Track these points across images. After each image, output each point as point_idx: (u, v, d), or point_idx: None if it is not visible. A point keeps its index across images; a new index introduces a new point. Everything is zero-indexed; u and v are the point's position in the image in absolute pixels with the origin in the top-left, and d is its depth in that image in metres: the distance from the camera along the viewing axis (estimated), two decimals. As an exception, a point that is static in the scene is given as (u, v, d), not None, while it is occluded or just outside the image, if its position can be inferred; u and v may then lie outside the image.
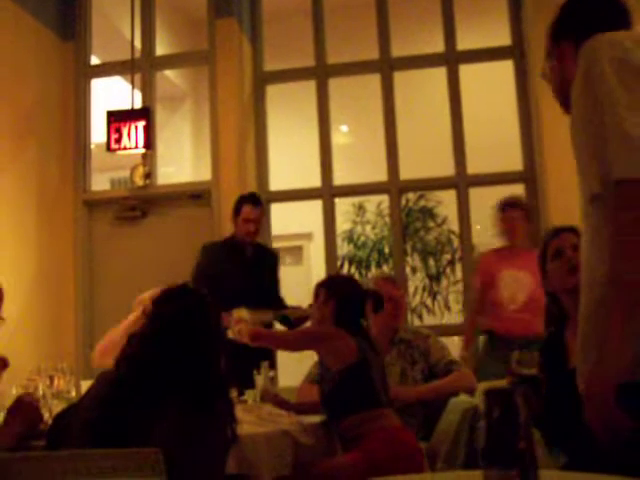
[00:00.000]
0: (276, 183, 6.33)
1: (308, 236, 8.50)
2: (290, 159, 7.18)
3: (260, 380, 3.48)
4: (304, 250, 9.06)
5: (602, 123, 1.59)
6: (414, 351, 3.67)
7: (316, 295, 3.27)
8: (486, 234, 5.25)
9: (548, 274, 2.59)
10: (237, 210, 4.77)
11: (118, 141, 5.85)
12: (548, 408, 2.50)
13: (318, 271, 6.39)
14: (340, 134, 8.32)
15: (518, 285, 4.50)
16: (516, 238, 4.63)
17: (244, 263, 4.75)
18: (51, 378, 2.94)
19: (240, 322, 3.68)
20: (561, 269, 2.52)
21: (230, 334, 3.70)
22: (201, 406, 2.11)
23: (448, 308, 7.40)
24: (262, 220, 4.94)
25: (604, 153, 1.58)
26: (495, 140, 6.46)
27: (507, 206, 4.66)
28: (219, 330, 2.39)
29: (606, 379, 1.54)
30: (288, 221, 6.91)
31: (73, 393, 3.03)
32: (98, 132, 6.28)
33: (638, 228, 1.54)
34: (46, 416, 2.65)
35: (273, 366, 4.54)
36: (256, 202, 4.80)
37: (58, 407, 2.63)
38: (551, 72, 1.94)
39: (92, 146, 6.35)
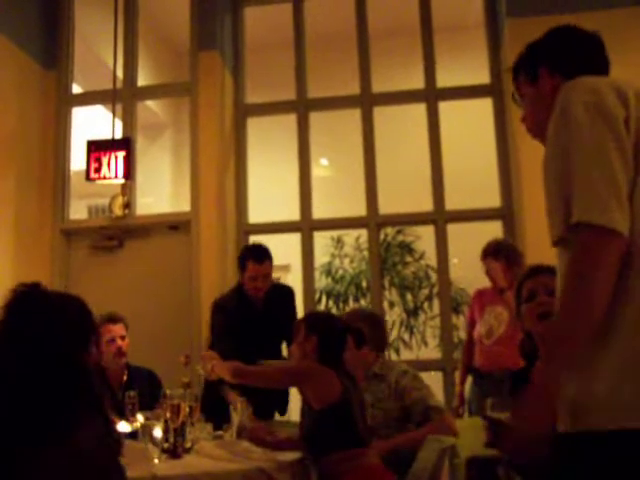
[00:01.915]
0: (255, 215, 6.34)
1: (286, 268, 8.48)
2: (270, 191, 7.19)
3: (236, 416, 3.46)
4: (282, 282, 9.04)
5: (570, 165, 1.60)
6: (387, 388, 3.61)
7: (296, 331, 3.25)
8: (464, 269, 5.28)
9: (521, 315, 2.60)
10: (242, 265, 4.48)
11: (98, 170, 5.83)
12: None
13: (297, 302, 6.37)
14: (320, 167, 8.37)
15: (497, 320, 4.57)
16: (498, 284, 4.66)
17: (255, 315, 4.48)
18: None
19: (212, 359, 3.68)
20: (532, 313, 2.53)
21: (201, 371, 3.73)
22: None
23: (425, 343, 7.42)
24: (271, 273, 4.54)
25: (569, 195, 1.59)
26: (474, 177, 6.52)
27: (486, 255, 4.68)
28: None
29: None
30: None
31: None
32: (78, 159, 6.26)
33: (583, 281, 1.55)
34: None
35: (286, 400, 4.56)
36: (261, 259, 4.47)
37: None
38: (531, 98, 1.96)
39: (71, 173, 6.32)
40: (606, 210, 1.53)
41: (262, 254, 4.50)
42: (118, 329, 4.21)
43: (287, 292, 4.74)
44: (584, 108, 1.62)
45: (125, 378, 4.19)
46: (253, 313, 4.49)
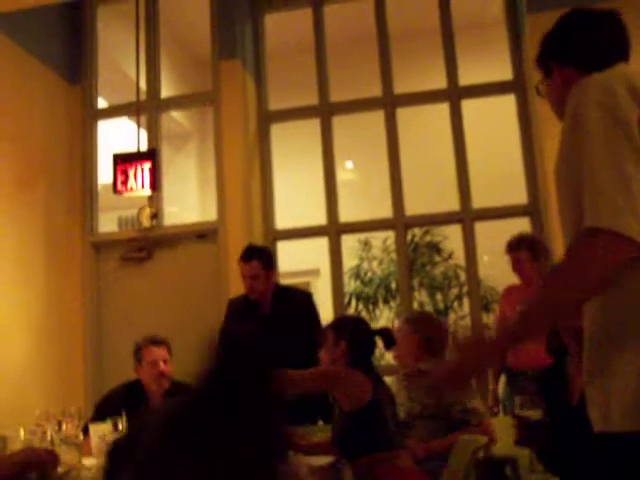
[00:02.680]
0: (282, 221, 6.35)
1: (315, 272, 8.49)
2: (296, 197, 7.21)
3: None
4: (311, 286, 9.04)
5: (582, 170, 1.57)
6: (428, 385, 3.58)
7: (325, 337, 3.25)
8: (493, 267, 5.24)
9: None
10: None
11: (124, 183, 5.88)
12: (552, 445, 2.50)
13: (326, 307, 6.38)
14: (345, 171, 8.37)
15: None
16: (524, 278, 4.63)
17: (260, 318, 4.36)
18: (59, 423, 2.92)
19: None
20: None
21: None
22: None
23: (457, 343, 7.36)
24: (262, 274, 4.43)
25: (581, 201, 1.56)
26: (499, 174, 6.48)
27: (511, 248, 4.66)
28: None
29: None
30: (295, 257, 6.91)
31: (81, 437, 3.03)
32: (105, 172, 6.32)
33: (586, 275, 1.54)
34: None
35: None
36: (247, 257, 4.42)
37: (67, 453, 2.63)
38: (547, 91, 1.94)
39: (99, 186, 6.40)
40: (619, 216, 1.49)
41: (249, 253, 4.43)
42: (161, 352, 4.09)
43: (301, 297, 4.61)
44: (596, 111, 1.58)
45: (164, 395, 4.04)
46: (257, 315, 4.38)
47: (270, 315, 4.42)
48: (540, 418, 2.67)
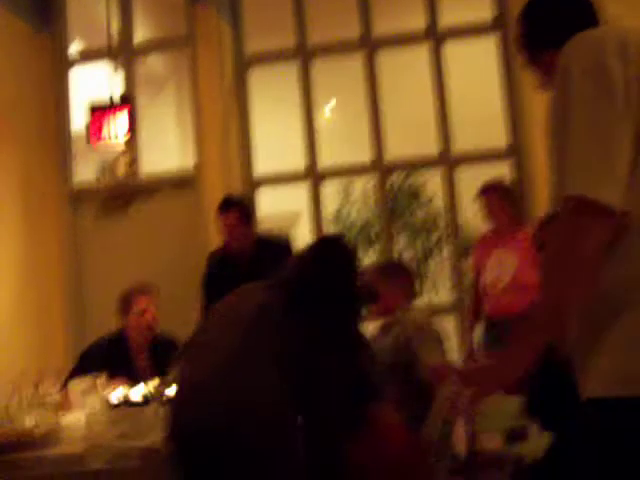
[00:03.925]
0: (261, 167, 6.28)
1: (296, 216, 8.45)
2: (275, 142, 7.11)
3: None
4: (292, 231, 9.02)
5: (566, 136, 1.52)
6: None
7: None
8: (473, 212, 5.22)
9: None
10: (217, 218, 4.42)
11: (99, 133, 5.76)
12: (539, 397, 2.51)
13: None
14: (324, 115, 8.25)
15: (502, 267, 4.54)
16: (496, 222, 4.67)
17: (239, 271, 4.29)
18: (36, 384, 2.90)
19: None
20: None
21: None
22: None
23: (436, 289, 7.39)
24: (241, 224, 4.40)
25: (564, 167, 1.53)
26: (480, 117, 6.40)
27: (483, 192, 4.72)
28: None
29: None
30: (275, 202, 6.86)
31: (58, 397, 3.00)
32: (80, 120, 6.19)
33: (570, 257, 1.50)
34: (29, 424, 2.62)
35: None
36: (224, 207, 4.36)
37: (43, 415, 2.61)
38: (534, 74, 1.89)
39: (74, 135, 6.27)
40: (600, 185, 1.45)
41: (226, 203, 4.35)
42: (149, 301, 4.11)
43: (279, 245, 4.55)
44: (582, 73, 1.52)
45: (147, 349, 4.09)
46: (236, 266, 4.33)
47: (250, 267, 4.34)
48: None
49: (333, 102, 8.27)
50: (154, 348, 4.04)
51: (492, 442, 4.25)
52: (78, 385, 3.48)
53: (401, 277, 3.85)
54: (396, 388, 3.43)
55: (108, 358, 3.89)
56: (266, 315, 2.45)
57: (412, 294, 3.83)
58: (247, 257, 4.41)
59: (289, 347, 2.35)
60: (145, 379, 3.44)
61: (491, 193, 4.69)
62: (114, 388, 3.19)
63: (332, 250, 2.69)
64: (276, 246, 4.57)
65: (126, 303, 4.13)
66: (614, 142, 1.48)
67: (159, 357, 3.70)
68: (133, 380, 3.43)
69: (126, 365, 3.94)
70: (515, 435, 4.18)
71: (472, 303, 4.85)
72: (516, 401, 3.43)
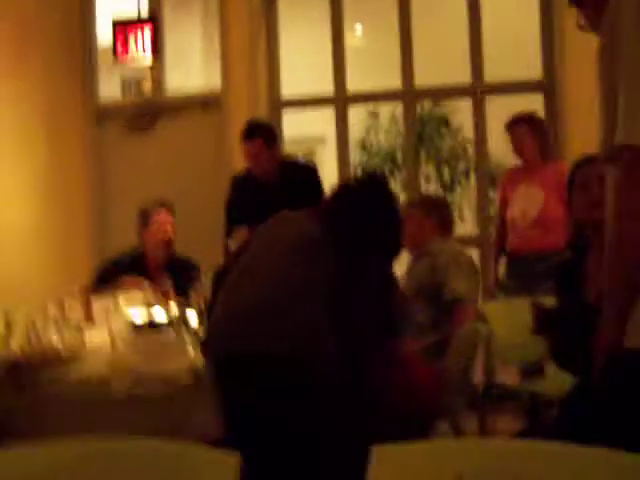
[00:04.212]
0: (288, 88, 6.17)
1: (321, 140, 8.37)
2: (303, 64, 6.98)
3: (233, 244, 3.61)
4: (317, 154, 8.95)
5: (619, 82, 1.48)
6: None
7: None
8: (502, 143, 5.14)
9: (572, 205, 2.54)
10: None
11: (125, 49, 5.69)
12: (565, 340, 2.50)
13: (331, 178, 6.32)
14: (354, 38, 8.07)
15: (530, 201, 4.49)
16: (525, 155, 4.59)
17: (265, 195, 4.29)
18: (61, 304, 2.92)
19: (246, 237, 3.79)
20: (584, 203, 2.46)
21: (233, 246, 3.86)
22: None
23: (462, 218, 7.32)
24: (265, 151, 4.32)
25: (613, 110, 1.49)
26: (514, 47, 6.23)
27: (512, 124, 4.63)
28: None
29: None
30: (300, 125, 6.79)
31: (83, 315, 3.03)
32: (105, 37, 6.09)
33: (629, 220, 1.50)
34: (54, 342, 2.65)
35: None
36: (248, 135, 4.28)
37: (68, 334, 2.64)
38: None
39: (100, 49, 6.17)
40: None
41: (251, 130, 4.29)
42: (168, 216, 4.11)
43: (305, 170, 4.52)
44: (636, 18, 1.47)
45: (165, 269, 4.08)
46: (264, 191, 4.31)
47: (276, 191, 4.33)
48: (556, 308, 2.66)
49: (364, 25, 8.09)
50: (172, 269, 4.05)
51: (509, 376, 4.28)
52: (102, 302, 3.53)
53: (438, 210, 3.83)
54: (423, 311, 3.45)
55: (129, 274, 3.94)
56: (314, 246, 2.49)
57: (449, 226, 3.81)
58: (272, 181, 4.38)
59: (333, 279, 2.40)
60: (164, 299, 3.49)
61: (521, 125, 4.59)
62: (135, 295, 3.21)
63: (379, 189, 2.73)
64: (301, 171, 4.55)
65: (144, 217, 4.15)
66: None
67: (177, 278, 3.72)
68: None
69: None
70: (532, 370, 4.21)
71: (497, 236, 4.81)
72: (534, 337, 3.44)
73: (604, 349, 1.60)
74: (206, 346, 2.47)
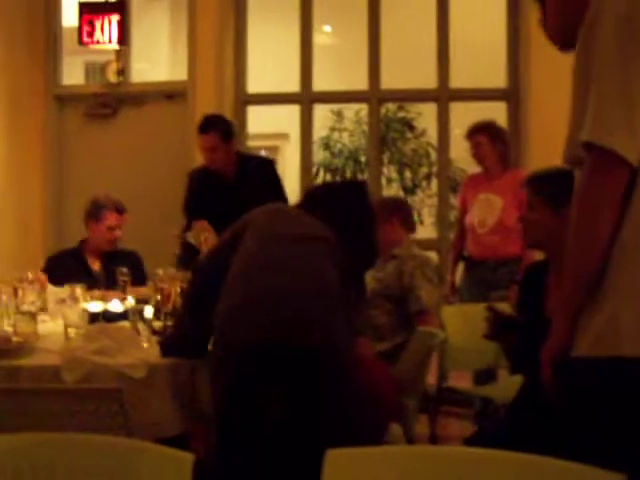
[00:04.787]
0: (254, 85, 6.15)
1: (285, 137, 8.38)
2: (270, 61, 6.97)
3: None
4: (280, 151, 8.96)
5: (592, 83, 1.51)
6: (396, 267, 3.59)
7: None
8: (464, 149, 5.18)
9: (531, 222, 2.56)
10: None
11: (91, 34, 5.60)
12: (522, 346, 2.53)
13: (293, 176, 6.32)
14: (322, 37, 8.08)
15: (488, 208, 4.53)
16: (485, 162, 4.63)
17: (225, 189, 4.28)
18: (15, 290, 2.87)
19: (205, 230, 3.81)
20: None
21: (192, 239, 3.87)
22: None
23: (422, 222, 7.39)
24: (221, 145, 4.25)
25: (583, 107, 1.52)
26: (481, 55, 6.30)
27: (473, 132, 4.65)
28: None
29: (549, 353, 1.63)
30: (265, 121, 6.77)
31: (38, 303, 2.99)
32: (69, 20, 5.99)
33: (590, 214, 1.51)
34: (9, 330, 2.61)
35: None
36: (204, 129, 4.24)
37: (22, 322, 2.59)
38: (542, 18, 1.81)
39: (64, 30, 6.05)
40: (616, 135, 1.46)
41: (206, 124, 4.25)
42: (121, 220, 4.19)
43: (262, 163, 4.50)
44: (615, 23, 1.48)
45: (101, 260, 4.22)
46: (222, 186, 4.29)
47: (234, 185, 4.31)
48: (513, 315, 2.68)
49: (333, 25, 8.09)
50: (115, 260, 4.10)
51: (462, 381, 4.33)
52: (56, 292, 3.49)
53: (400, 212, 3.82)
54: (384, 315, 3.46)
55: (71, 266, 4.10)
56: (324, 242, 2.56)
57: (412, 226, 3.83)
58: (229, 176, 4.34)
59: (340, 275, 2.50)
60: (102, 286, 3.58)
61: (481, 133, 4.63)
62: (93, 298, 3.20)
63: (364, 194, 2.86)
64: (259, 165, 4.50)
65: (95, 210, 4.20)
66: (638, 100, 1.47)
67: (117, 266, 3.74)
68: (91, 287, 3.45)
69: (84, 272, 4.06)
70: (485, 376, 4.27)
71: (455, 242, 4.85)
72: (489, 343, 3.48)
73: (550, 358, 1.63)
74: (220, 333, 2.45)
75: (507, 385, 3.43)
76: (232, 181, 4.33)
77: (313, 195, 2.92)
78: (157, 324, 2.95)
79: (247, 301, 2.43)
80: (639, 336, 1.48)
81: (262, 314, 2.39)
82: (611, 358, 1.49)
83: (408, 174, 7.55)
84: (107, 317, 3.06)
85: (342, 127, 7.76)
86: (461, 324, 3.89)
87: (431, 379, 3.73)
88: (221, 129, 4.26)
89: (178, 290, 3.07)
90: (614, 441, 1.50)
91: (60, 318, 2.94)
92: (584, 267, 1.53)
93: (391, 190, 7.48)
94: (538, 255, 2.98)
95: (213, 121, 4.32)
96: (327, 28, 8.27)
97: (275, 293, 2.42)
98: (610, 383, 1.50)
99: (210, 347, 2.57)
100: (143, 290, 3.56)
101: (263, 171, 4.40)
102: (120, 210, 4.19)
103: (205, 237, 3.97)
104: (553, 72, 5.22)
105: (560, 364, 1.60)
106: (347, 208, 2.74)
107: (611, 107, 1.47)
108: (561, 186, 2.33)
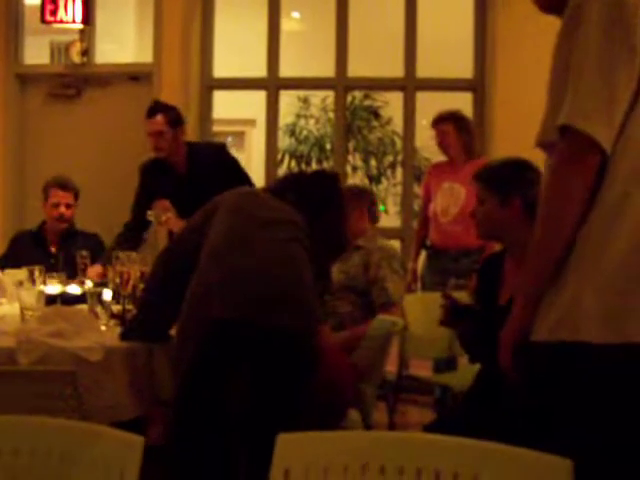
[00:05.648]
0: (221, 69, 6.10)
1: (251, 122, 8.34)
2: (237, 45, 6.92)
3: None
4: (246, 136, 8.92)
5: (573, 66, 1.51)
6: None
7: None
8: (430, 139, 5.20)
9: (482, 215, 2.58)
10: None
11: (54, 13, 5.51)
12: (477, 333, 2.55)
13: (259, 162, 6.30)
14: (290, 23, 8.04)
15: (452, 198, 4.55)
16: (450, 152, 4.65)
17: (177, 180, 4.14)
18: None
19: (167, 211, 3.80)
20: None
21: (152, 218, 3.88)
22: None
23: (386, 211, 7.40)
24: (168, 131, 4.07)
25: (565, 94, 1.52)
26: (448, 46, 6.32)
27: (438, 121, 4.66)
28: None
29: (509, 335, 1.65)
30: (231, 106, 6.73)
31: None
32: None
33: (560, 198, 1.53)
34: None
35: None
36: (150, 113, 4.09)
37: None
38: None
39: (26, 12, 5.96)
40: (594, 121, 1.46)
41: (153, 108, 4.13)
42: (66, 197, 4.18)
43: (214, 151, 4.35)
44: (600, 7, 1.48)
45: (60, 242, 4.20)
46: (174, 177, 4.16)
47: (186, 174, 4.16)
48: (469, 303, 2.70)
49: (301, 11, 8.06)
50: (74, 242, 4.09)
51: (423, 369, 4.36)
52: (14, 275, 3.45)
53: (364, 201, 3.80)
54: (348, 305, 3.45)
55: (32, 247, 4.15)
56: (296, 226, 2.59)
57: (375, 219, 3.80)
58: (182, 165, 4.18)
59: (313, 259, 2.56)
60: (60, 269, 3.56)
61: (446, 122, 4.64)
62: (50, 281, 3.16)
63: (336, 184, 2.91)
64: (211, 152, 4.36)
65: (45, 192, 4.24)
66: (620, 85, 1.48)
67: (78, 249, 3.71)
68: (49, 270, 3.40)
69: (44, 255, 4.07)
70: (445, 364, 4.29)
71: (419, 230, 4.87)
72: (449, 332, 3.50)
73: (510, 341, 1.64)
74: (188, 310, 2.44)
75: (466, 373, 3.46)
76: (184, 172, 4.18)
77: (285, 180, 2.93)
78: (116, 307, 2.93)
79: (216, 280, 2.44)
80: (598, 321, 1.49)
81: (230, 292, 2.41)
82: (570, 343, 1.51)
83: (373, 162, 7.56)
84: (65, 300, 3.03)
85: (308, 114, 7.75)
86: (422, 312, 3.90)
87: (392, 367, 3.75)
88: (168, 114, 4.13)
89: (138, 274, 3.04)
90: (574, 424, 1.52)
91: (17, 301, 2.91)
92: (551, 245, 1.55)
93: (356, 178, 7.49)
94: (499, 246, 2.99)
95: (160, 105, 4.21)
96: (295, 14, 8.23)
97: (244, 273, 2.43)
98: (569, 368, 1.52)
99: (173, 331, 2.57)
100: (99, 268, 3.55)
101: (218, 158, 4.24)
102: (63, 186, 4.18)
103: (167, 217, 3.96)
104: (519, 64, 5.28)
105: (520, 348, 1.62)
106: (319, 197, 2.74)
107: (592, 93, 1.48)
108: (505, 177, 2.47)
